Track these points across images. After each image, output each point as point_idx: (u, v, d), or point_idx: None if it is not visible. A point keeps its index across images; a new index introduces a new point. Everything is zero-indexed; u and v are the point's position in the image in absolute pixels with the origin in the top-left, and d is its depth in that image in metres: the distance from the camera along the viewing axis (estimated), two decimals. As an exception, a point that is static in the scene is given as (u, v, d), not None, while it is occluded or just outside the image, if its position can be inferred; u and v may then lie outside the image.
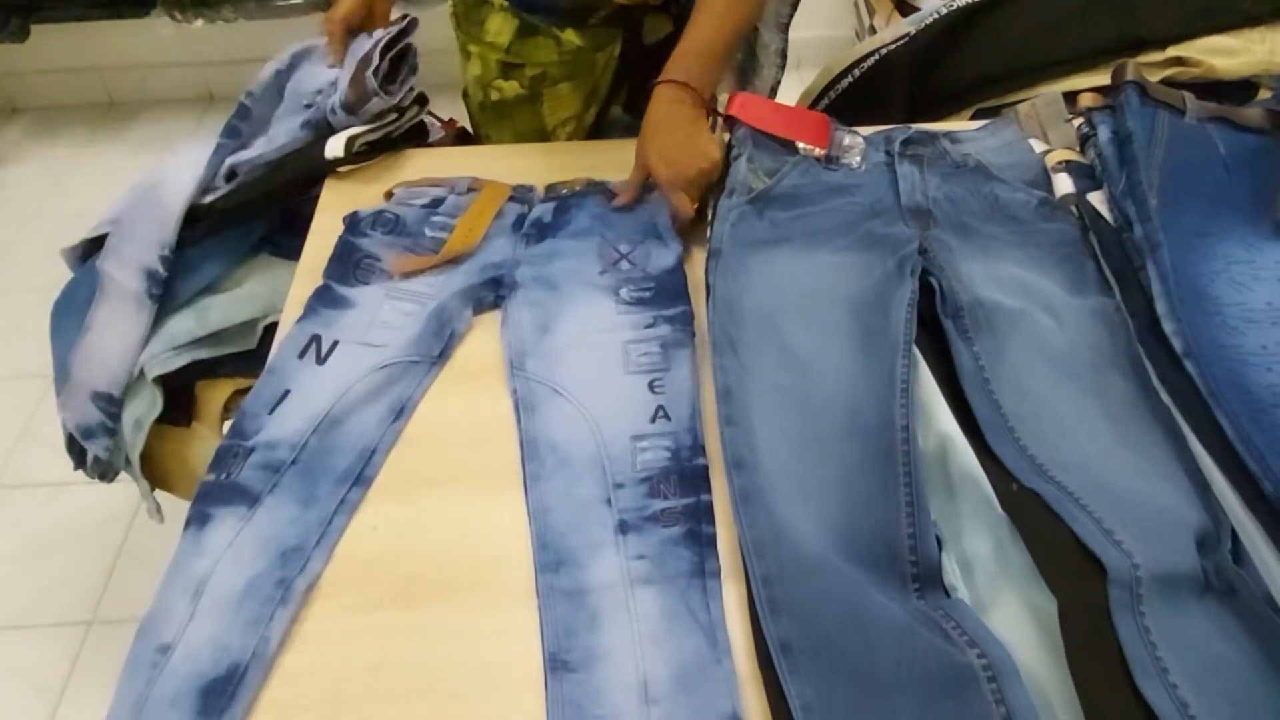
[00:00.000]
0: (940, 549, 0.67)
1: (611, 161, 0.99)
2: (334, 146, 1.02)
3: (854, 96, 1.26)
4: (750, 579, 0.65)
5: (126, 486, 1.09)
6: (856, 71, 1.26)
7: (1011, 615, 0.65)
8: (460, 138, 1.26)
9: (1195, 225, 0.83)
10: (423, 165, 1.07)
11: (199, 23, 2.14)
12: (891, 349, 0.75)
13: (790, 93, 1.26)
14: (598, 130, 1.23)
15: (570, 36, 1.09)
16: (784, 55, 1.18)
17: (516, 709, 0.62)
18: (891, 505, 0.68)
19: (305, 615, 0.66)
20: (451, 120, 1.25)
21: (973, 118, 1.19)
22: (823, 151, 0.96)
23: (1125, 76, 0.90)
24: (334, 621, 0.66)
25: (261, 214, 1.07)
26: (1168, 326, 0.76)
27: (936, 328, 0.81)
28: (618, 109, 1.25)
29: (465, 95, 1.26)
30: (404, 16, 1.13)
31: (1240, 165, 0.88)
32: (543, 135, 1.18)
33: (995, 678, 0.58)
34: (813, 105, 1.32)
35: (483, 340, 0.86)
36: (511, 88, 1.14)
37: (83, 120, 2.46)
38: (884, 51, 1.24)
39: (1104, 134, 0.89)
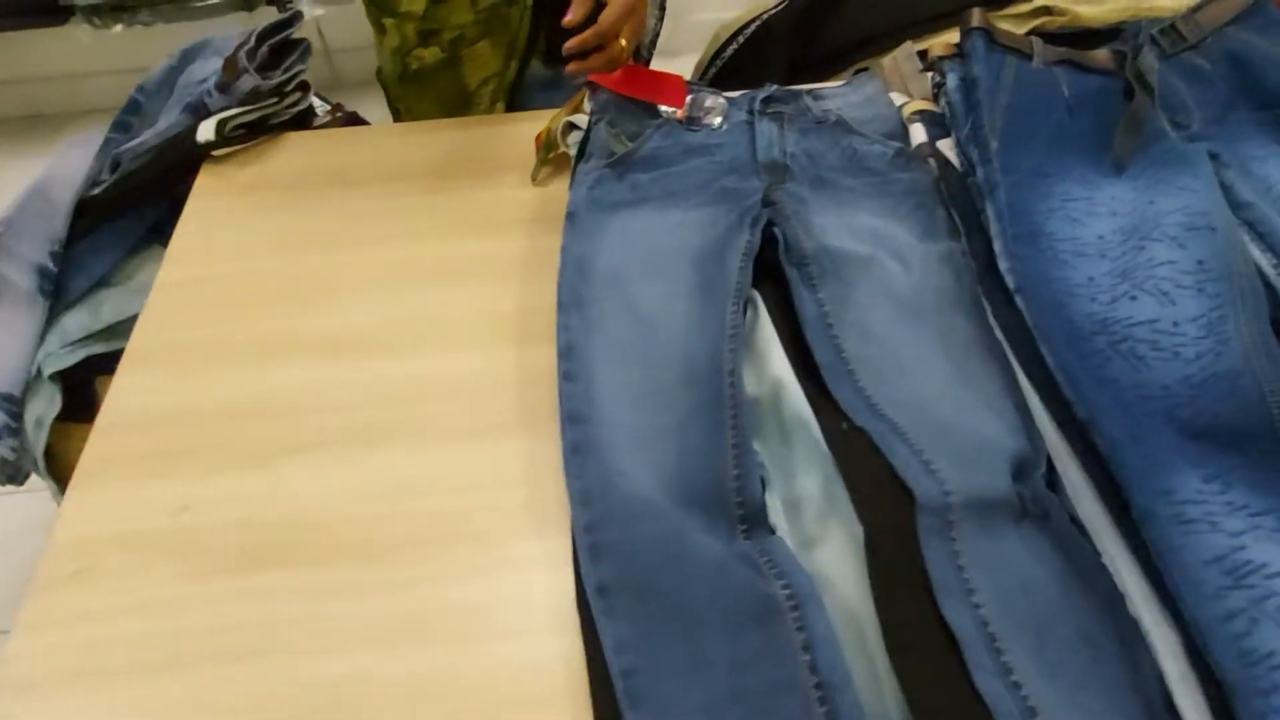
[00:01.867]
0: (764, 489, 0.68)
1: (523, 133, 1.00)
2: (206, 129, 1.03)
3: (739, 63, 1.27)
4: (574, 528, 0.66)
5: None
6: (740, 38, 1.27)
7: (837, 550, 0.66)
8: (350, 123, 1.26)
9: (1035, 165, 0.84)
10: (303, 147, 1.08)
11: (118, 28, 2.13)
12: (724, 297, 0.76)
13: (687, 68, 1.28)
14: (519, 87, 1.22)
15: None
16: (663, 7, 1.19)
17: (356, 666, 0.63)
18: (719, 450, 0.69)
19: (141, 584, 0.67)
20: (339, 105, 1.25)
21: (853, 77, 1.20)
22: (683, 113, 0.96)
23: (971, 24, 0.91)
24: (172, 589, 0.67)
25: (148, 203, 1.08)
26: (1002, 264, 0.78)
27: (784, 276, 0.82)
28: (537, 63, 1.25)
29: (380, 74, 1.26)
30: (289, 8, 1.14)
31: (1083, 106, 0.89)
32: (464, 98, 1.18)
33: (798, 606, 0.60)
34: (702, 75, 1.33)
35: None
36: (431, 54, 1.13)
37: (8, 134, 2.44)
38: (765, 17, 1.25)
39: (952, 81, 0.91)
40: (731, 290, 0.76)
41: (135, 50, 2.32)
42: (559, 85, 0.92)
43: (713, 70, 1.32)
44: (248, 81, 1.04)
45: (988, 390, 0.74)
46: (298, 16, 1.14)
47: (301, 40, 1.16)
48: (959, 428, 0.70)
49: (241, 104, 1.06)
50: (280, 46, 1.13)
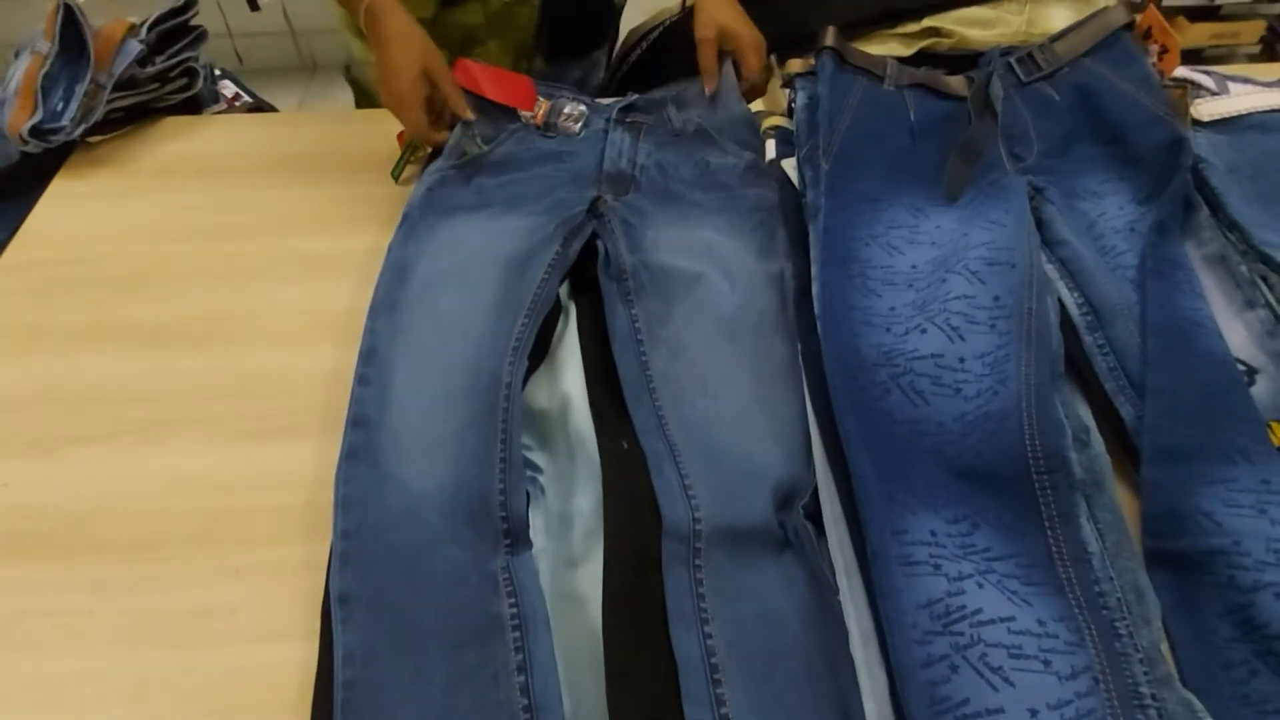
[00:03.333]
0: (529, 504, 0.68)
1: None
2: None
3: (643, 69, 1.26)
4: (333, 534, 0.66)
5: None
6: (644, 44, 1.26)
7: (598, 571, 0.66)
8: (254, 111, 1.26)
9: (866, 190, 0.83)
10: (178, 135, 1.08)
11: (81, -1, 2.13)
12: (516, 310, 0.76)
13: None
14: None
15: None
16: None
17: (86, 664, 0.63)
18: (489, 462, 0.69)
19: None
20: (237, 95, 1.25)
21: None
22: (540, 118, 0.96)
23: (822, 43, 0.90)
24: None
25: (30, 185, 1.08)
26: (814, 289, 0.77)
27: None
28: (539, 61, 1.24)
29: (348, 72, 1.25)
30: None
31: (928, 132, 0.88)
32: None
33: (520, 626, 0.60)
34: (610, 78, 1.32)
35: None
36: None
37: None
38: (667, 22, 1.24)
39: (800, 99, 0.90)
40: (525, 302, 0.76)
41: (103, 18, 2.33)
42: (561, 82, 0.93)
43: (620, 74, 1.31)
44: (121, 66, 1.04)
45: (782, 416, 0.73)
46: (192, 3, 1.14)
47: (196, 28, 1.16)
48: (734, 453, 0.69)
49: (118, 89, 1.06)
50: (171, 33, 1.13)
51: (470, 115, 0.92)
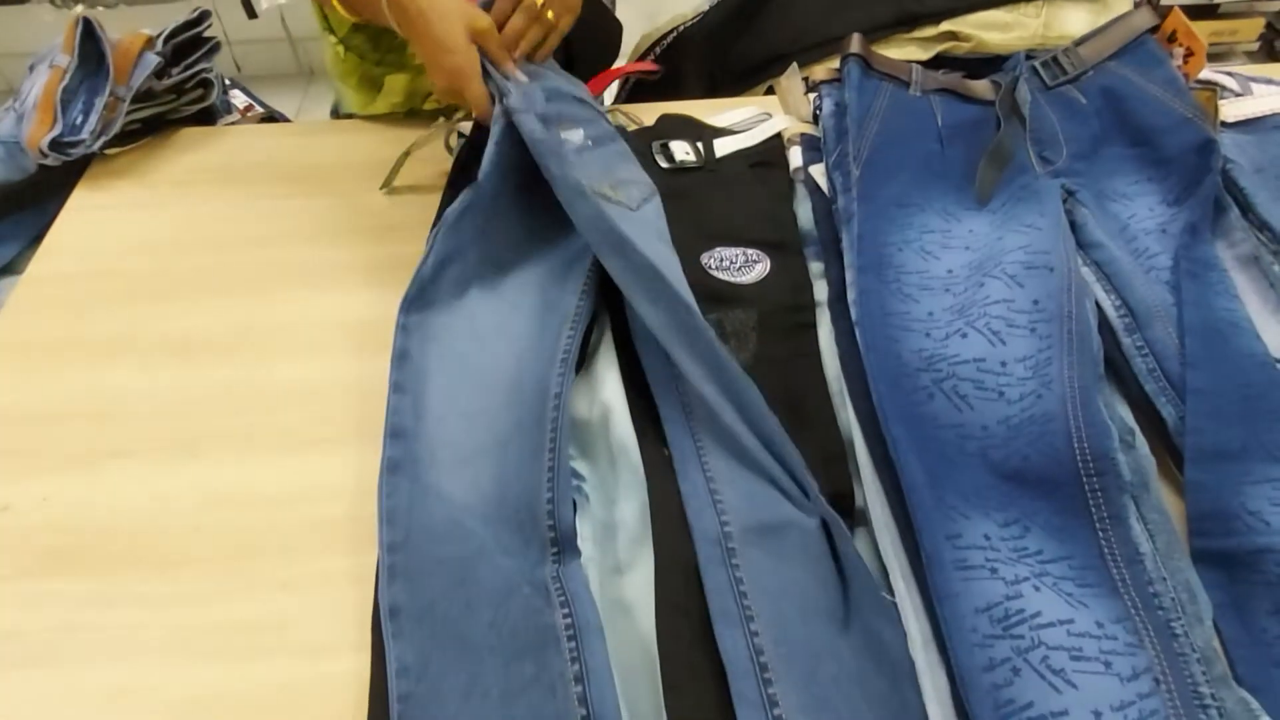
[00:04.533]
0: (577, 513, 0.68)
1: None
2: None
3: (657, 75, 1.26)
4: (379, 547, 0.65)
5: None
6: (658, 49, 1.26)
7: (644, 578, 0.66)
8: (267, 121, 1.26)
9: (897, 195, 0.84)
10: (195, 146, 1.08)
11: (79, 8, 2.13)
12: (560, 321, 0.76)
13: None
14: None
15: None
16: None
17: (135, 678, 0.62)
18: (536, 472, 0.69)
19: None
20: (249, 106, 1.25)
21: (766, 93, 1.20)
22: None
23: (849, 49, 0.90)
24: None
25: (50, 195, 1.07)
26: (850, 295, 0.77)
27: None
28: None
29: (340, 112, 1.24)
30: (196, 10, 1.14)
31: (956, 137, 0.88)
32: None
33: (575, 636, 0.59)
34: (621, 86, 1.32)
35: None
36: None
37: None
38: (681, 29, 1.24)
39: (827, 107, 0.90)
40: (570, 314, 0.76)
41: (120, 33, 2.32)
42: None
43: (631, 81, 1.31)
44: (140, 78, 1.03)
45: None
46: (205, 16, 1.14)
47: (210, 39, 1.15)
48: (763, 452, 0.68)
49: (136, 101, 1.05)
50: (185, 45, 1.12)
51: (522, 77, 0.84)
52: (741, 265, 0.84)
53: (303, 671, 0.62)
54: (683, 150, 0.94)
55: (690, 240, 0.85)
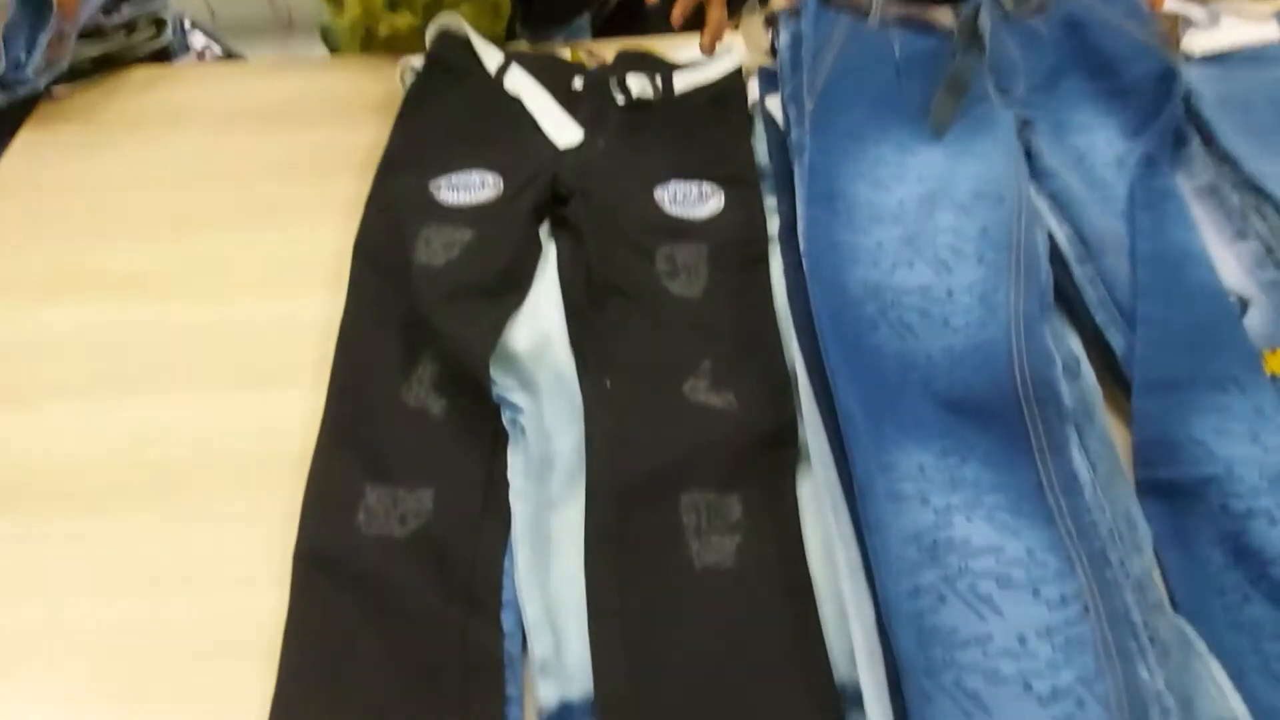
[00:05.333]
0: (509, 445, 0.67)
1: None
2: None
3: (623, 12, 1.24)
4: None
5: None
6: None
7: (579, 511, 0.65)
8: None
9: (851, 128, 0.82)
10: (147, 84, 1.05)
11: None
12: None
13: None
14: None
15: None
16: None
17: (63, 612, 0.62)
18: None
19: None
20: (207, 46, 1.23)
21: (734, 29, 1.17)
22: None
23: (805, -22, 0.88)
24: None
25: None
26: (799, 226, 0.76)
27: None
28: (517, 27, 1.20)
29: (328, 42, 1.22)
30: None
31: (914, 68, 0.86)
32: None
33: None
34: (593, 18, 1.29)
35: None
36: (404, 20, 1.03)
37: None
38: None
39: (783, 38, 0.88)
40: None
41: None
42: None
43: (600, 19, 1.28)
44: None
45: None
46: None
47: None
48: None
49: (84, 38, 1.03)
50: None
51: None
52: (696, 200, 0.83)
53: (227, 605, 0.62)
54: (640, 85, 0.92)
55: (644, 174, 0.84)
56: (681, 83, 0.93)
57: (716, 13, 0.88)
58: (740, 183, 0.84)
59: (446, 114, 0.90)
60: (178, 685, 0.59)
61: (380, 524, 0.63)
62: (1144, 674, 0.52)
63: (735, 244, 0.79)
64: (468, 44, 0.94)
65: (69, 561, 0.64)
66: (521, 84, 0.92)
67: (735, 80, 0.95)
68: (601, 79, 0.93)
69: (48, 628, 0.61)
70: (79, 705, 0.59)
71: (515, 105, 0.90)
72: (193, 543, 0.65)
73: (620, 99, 0.92)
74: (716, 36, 0.90)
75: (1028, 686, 0.50)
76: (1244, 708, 0.52)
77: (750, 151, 0.88)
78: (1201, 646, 0.55)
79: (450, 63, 0.93)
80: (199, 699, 0.58)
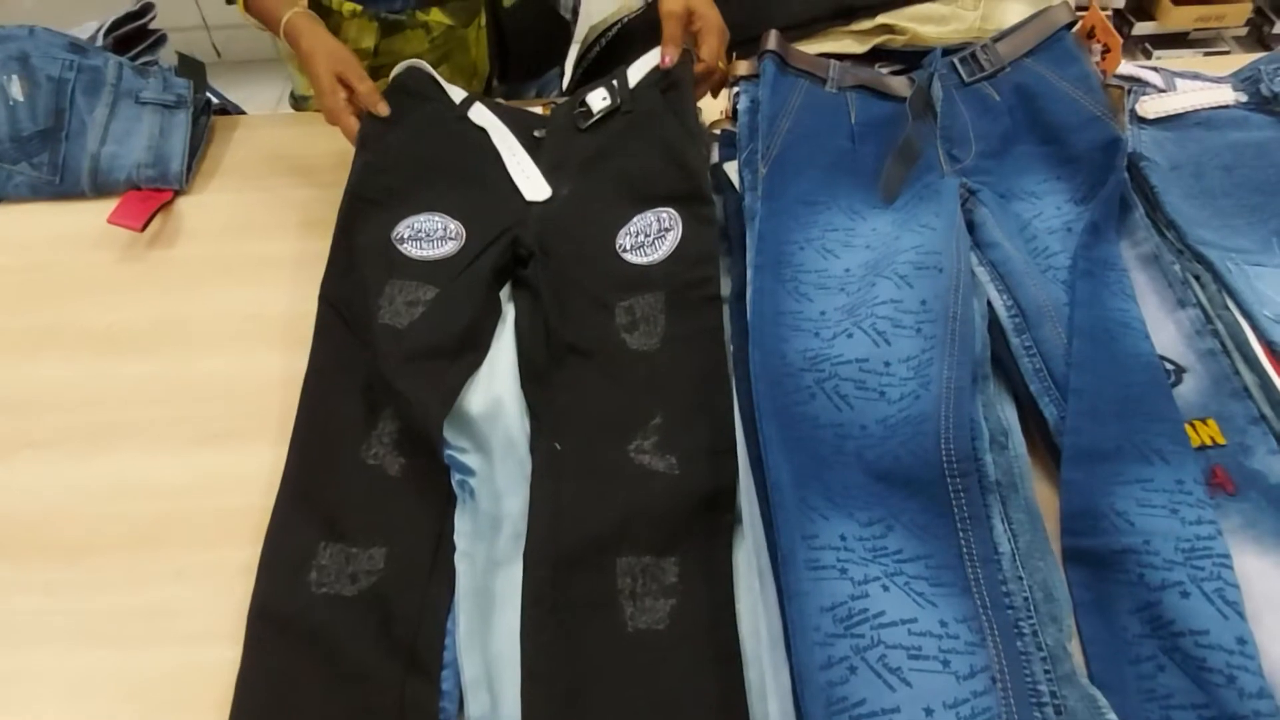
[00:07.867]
0: (456, 509, 0.70)
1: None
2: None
3: (600, 66, 1.27)
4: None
5: None
6: (603, 40, 1.27)
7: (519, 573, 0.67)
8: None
9: (804, 193, 0.84)
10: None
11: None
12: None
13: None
14: None
15: (438, 16, 1.07)
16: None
17: (25, 663, 0.65)
18: None
19: None
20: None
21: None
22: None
23: (764, 46, 0.91)
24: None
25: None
26: (748, 294, 0.78)
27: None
28: (495, 82, 1.24)
29: (295, 100, 1.26)
30: (139, 1, 1.15)
31: (868, 134, 0.89)
32: None
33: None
34: (573, 72, 1.33)
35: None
36: (383, 85, 1.05)
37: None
38: (625, 20, 1.25)
39: (743, 103, 0.91)
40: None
41: (73, 12, 2.34)
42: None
43: (580, 70, 1.32)
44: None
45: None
46: (149, 8, 1.15)
47: (154, 31, 1.17)
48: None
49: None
50: (132, 36, 1.14)
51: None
52: (655, 237, 0.83)
53: (186, 659, 0.65)
54: (600, 98, 0.93)
55: (605, 220, 0.85)
56: (635, 75, 0.95)
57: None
58: (694, 200, 0.84)
59: (409, 138, 0.92)
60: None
61: (331, 582, 0.66)
62: (1048, 746, 0.54)
63: (692, 285, 0.80)
64: (433, 79, 0.97)
65: (39, 612, 0.68)
66: (487, 119, 0.94)
67: (685, 60, 0.94)
68: (566, 112, 0.95)
69: (15, 675, 0.64)
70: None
71: (479, 137, 0.92)
72: (158, 596, 0.68)
73: (582, 125, 0.93)
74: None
75: (932, 758, 0.52)
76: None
77: (703, 156, 0.89)
78: (1112, 716, 0.57)
79: (413, 89, 0.95)
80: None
